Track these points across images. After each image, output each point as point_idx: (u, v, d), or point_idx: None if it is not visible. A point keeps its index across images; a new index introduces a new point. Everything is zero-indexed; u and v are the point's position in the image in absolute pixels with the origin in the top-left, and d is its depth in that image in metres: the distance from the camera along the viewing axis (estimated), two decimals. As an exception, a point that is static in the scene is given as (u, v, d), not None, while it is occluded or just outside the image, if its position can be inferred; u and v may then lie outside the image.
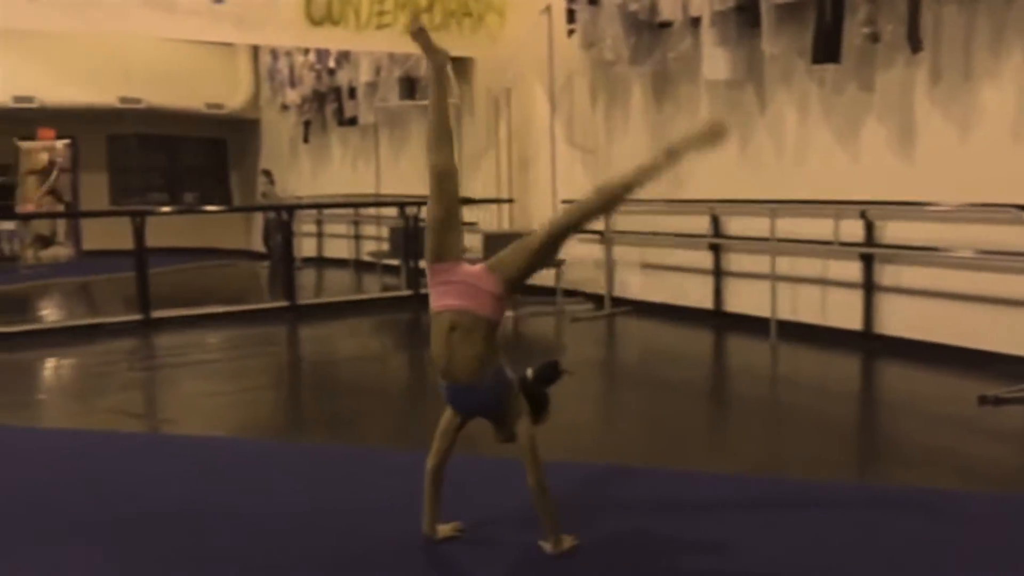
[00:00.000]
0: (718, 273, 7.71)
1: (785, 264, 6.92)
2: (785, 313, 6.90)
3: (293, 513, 3.49)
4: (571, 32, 8.54)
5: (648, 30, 7.74)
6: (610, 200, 3.25)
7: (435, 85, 3.22)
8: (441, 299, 3.00)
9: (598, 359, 7.02)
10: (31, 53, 12.61)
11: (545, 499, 3.01)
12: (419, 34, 3.27)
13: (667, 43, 7.65)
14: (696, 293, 7.86)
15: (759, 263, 7.13)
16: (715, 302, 7.72)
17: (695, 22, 7.29)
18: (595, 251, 8.77)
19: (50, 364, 7.04)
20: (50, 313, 10.18)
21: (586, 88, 8.88)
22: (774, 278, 6.79)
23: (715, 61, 7.16)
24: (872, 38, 6.14)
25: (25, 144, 16.20)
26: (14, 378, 6.52)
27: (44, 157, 16.52)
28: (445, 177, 3.08)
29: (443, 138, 3.12)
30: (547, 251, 3.13)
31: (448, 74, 3.29)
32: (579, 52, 8.58)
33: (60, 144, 16.35)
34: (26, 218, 15.15)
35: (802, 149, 6.98)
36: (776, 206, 6.82)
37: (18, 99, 13.22)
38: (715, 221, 7.66)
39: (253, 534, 3.29)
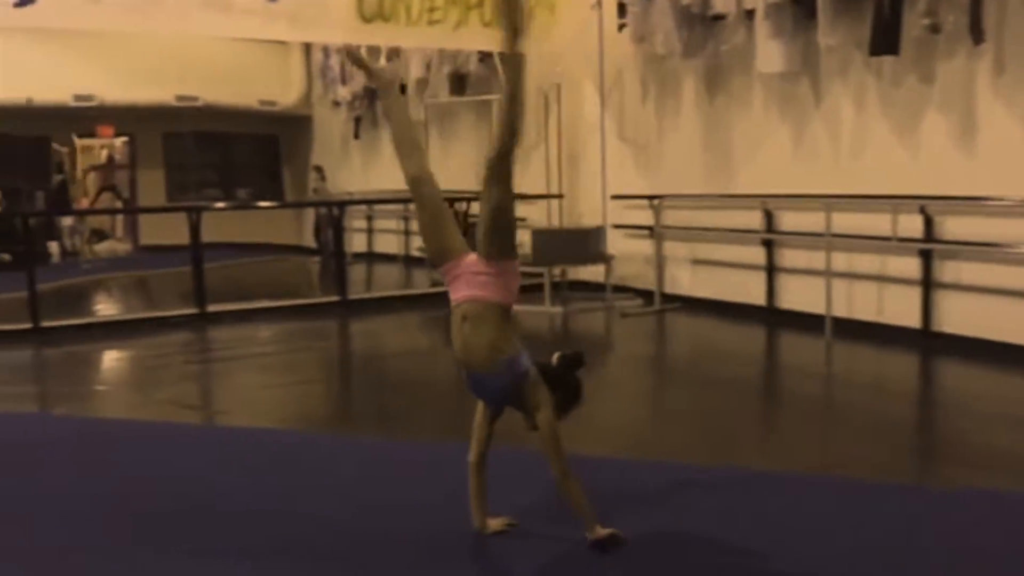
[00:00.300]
0: (771, 269, 7.59)
1: (841, 260, 6.79)
2: (841, 310, 6.77)
3: (343, 505, 3.52)
4: (622, 26, 8.47)
5: (701, 23, 7.65)
6: (508, 114, 3.17)
7: (386, 102, 3.43)
8: (454, 294, 3.08)
9: (648, 355, 6.97)
10: (91, 52, 12.91)
11: (571, 488, 3.00)
12: (355, 60, 3.42)
13: (720, 36, 7.55)
14: (748, 289, 7.75)
15: (813, 259, 7.01)
16: (768, 298, 7.61)
17: (749, 15, 7.18)
18: (645, 247, 8.70)
19: (109, 356, 7.22)
20: (109, 306, 10.43)
21: (637, 82, 8.81)
22: (829, 274, 6.66)
23: (769, 54, 7.05)
24: (932, 29, 5.98)
25: (84, 141, 16.62)
26: (75, 369, 6.70)
27: (104, 153, 16.95)
28: (420, 183, 3.17)
29: (408, 146, 3.24)
30: (494, 196, 3.10)
31: (397, 93, 3.51)
32: (630, 46, 8.51)
33: (119, 141, 16.76)
34: (86, 214, 15.53)
35: (859, 143, 6.83)
36: (832, 201, 6.69)
37: (79, 97, 13.55)
38: (768, 216, 7.55)
39: (304, 525, 3.32)
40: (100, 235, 16.33)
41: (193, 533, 3.27)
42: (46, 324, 7.55)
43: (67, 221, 14.72)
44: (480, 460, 3.17)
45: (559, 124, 9.27)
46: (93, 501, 3.61)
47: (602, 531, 3.03)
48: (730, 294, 7.95)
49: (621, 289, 8.78)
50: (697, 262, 8.34)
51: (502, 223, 3.08)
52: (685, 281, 8.43)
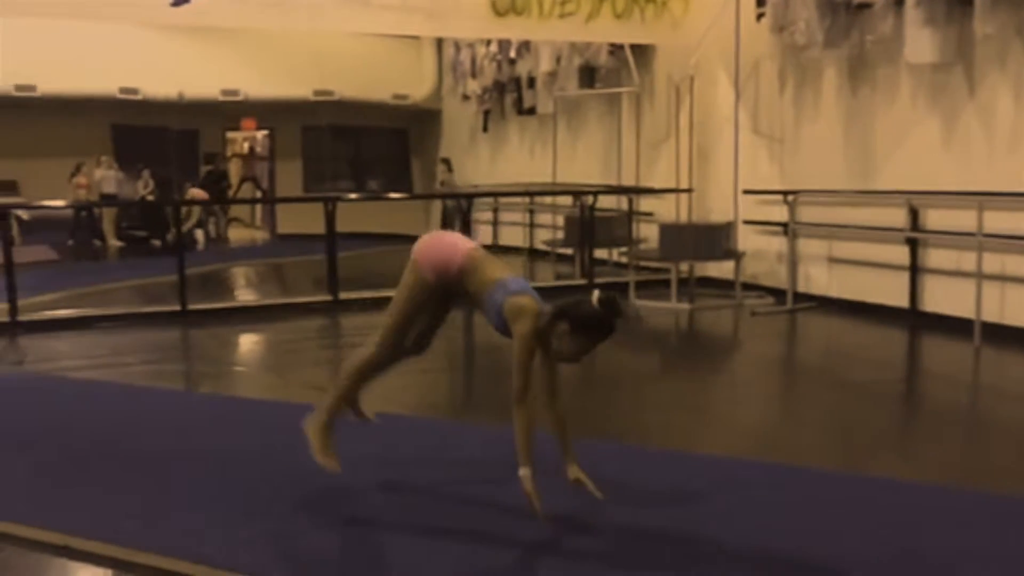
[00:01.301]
0: (915, 269, 7.20)
1: (993, 262, 6.36)
2: (992, 315, 6.35)
3: (470, 491, 3.56)
4: (760, 16, 8.22)
5: (845, 12, 7.32)
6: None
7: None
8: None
9: (778, 356, 6.75)
10: (237, 50, 13.57)
11: (517, 416, 3.07)
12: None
13: (865, 25, 7.21)
14: (889, 290, 7.38)
15: (963, 260, 6.60)
16: (910, 300, 7.22)
17: (898, 2, 6.82)
18: (777, 243, 8.42)
19: (249, 339, 7.55)
20: (249, 292, 10.93)
21: (774, 74, 8.52)
22: (980, 277, 6.26)
23: (920, 43, 6.67)
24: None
25: (229, 134, 17.48)
26: (218, 350, 7.04)
27: (246, 145, 17.79)
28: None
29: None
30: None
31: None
32: (768, 36, 8.24)
33: (260, 134, 17.54)
34: (231, 203, 16.28)
35: (1016, 137, 6.38)
36: (984, 198, 6.28)
37: (226, 92, 14.25)
38: (913, 213, 7.15)
39: (430, 509, 3.37)
40: (238, 223, 17.12)
41: (325, 512, 3.36)
42: (193, 307, 7.97)
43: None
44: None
45: (691, 117, 9.07)
46: (230, 480, 3.78)
47: (527, 479, 3.04)
48: (869, 295, 7.59)
49: (751, 287, 8.53)
50: (834, 260, 8.00)
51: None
52: (820, 280, 8.11)
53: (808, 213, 8.07)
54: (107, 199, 14.68)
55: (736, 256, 8.39)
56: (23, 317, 7.43)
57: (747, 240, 8.67)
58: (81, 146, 14.86)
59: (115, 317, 7.81)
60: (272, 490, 3.59)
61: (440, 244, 3.39)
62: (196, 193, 14.41)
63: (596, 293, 3.12)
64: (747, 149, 8.82)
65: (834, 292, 7.94)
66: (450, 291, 3.38)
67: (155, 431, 4.52)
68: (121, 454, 4.10)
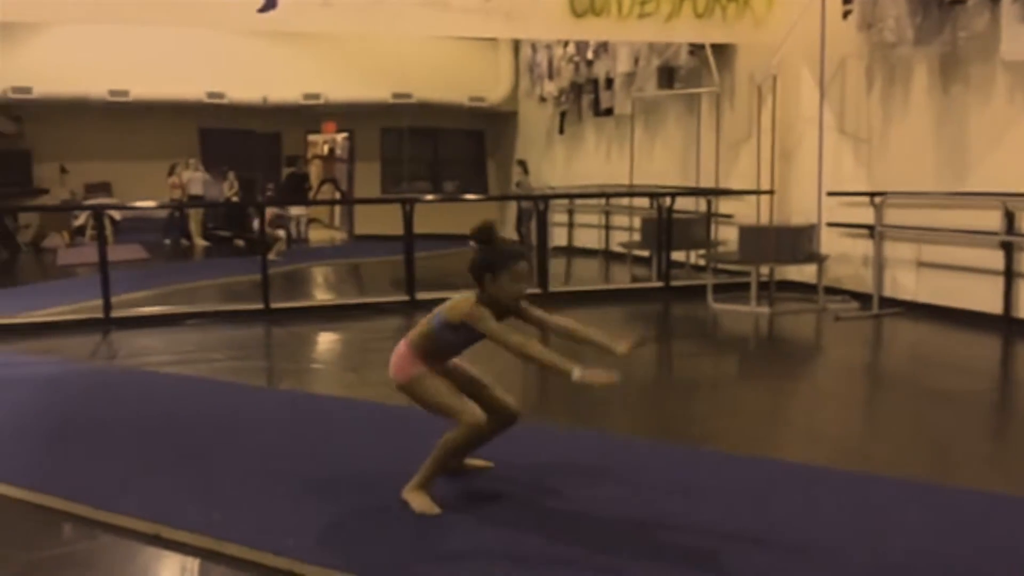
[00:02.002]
0: (1009, 274, 6.91)
1: (1096, 268, 6.06)
2: (1094, 324, 6.05)
3: (539, 493, 3.55)
4: (847, 13, 8.01)
5: (937, 8, 7.08)
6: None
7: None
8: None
9: (863, 362, 6.54)
10: (319, 54, 13.86)
11: (533, 354, 3.17)
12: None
13: (959, 21, 6.96)
14: (981, 296, 7.10)
15: (1062, 266, 6.31)
16: (1005, 307, 6.93)
17: (994, -3, 6.57)
18: (862, 247, 8.19)
19: (328, 337, 7.68)
20: (328, 291, 11.14)
21: (861, 72, 8.29)
22: (1081, 283, 5.97)
23: (1017, 39, 6.42)
24: None
25: (311, 136, 17.86)
26: (298, 348, 7.19)
27: (326, 148, 18.14)
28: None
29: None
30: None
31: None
32: (855, 34, 8.02)
33: (340, 136, 17.87)
34: (311, 204, 16.62)
35: (1124, 136, 6.07)
36: (1087, 201, 5.99)
37: (307, 96, 14.57)
38: (1008, 217, 6.86)
39: (513, 507, 3.37)
40: (317, 224, 17.45)
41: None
42: (275, 305, 8.16)
43: (295, 211, 15.89)
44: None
45: (773, 117, 8.89)
46: (314, 471, 3.85)
47: (580, 375, 3.07)
48: (960, 300, 7.32)
49: (834, 291, 8.32)
50: (922, 264, 7.74)
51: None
52: (908, 284, 7.85)
53: (895, 215, 7.82)
54: (194, 200, 15.17)
55: (819, 259, 8.18)
56: (116, 313, 7.72)
57: (830, 243, 8.45)
58: (170, 149, 15.40)
59: (202, 314, 8.05)
60: (350, 486, 3.64)
61: (395, 361, 3.47)
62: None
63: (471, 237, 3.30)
64: (832, 150, 8.60)
65: (922, 297, 7.68)
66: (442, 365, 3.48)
67: (239, 426, 4.64)
68: (207, 448, 4.22)
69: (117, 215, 14.76)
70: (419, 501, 3.35)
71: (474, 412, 3.34)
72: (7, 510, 3.56)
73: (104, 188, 15.83)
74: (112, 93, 13.68)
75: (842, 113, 8.56)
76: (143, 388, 5.68)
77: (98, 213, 9.05)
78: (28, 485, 3.69)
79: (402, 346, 3.47)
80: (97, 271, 7.93)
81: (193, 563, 3.06)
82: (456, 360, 3.55)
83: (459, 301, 3.29)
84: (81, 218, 15.33)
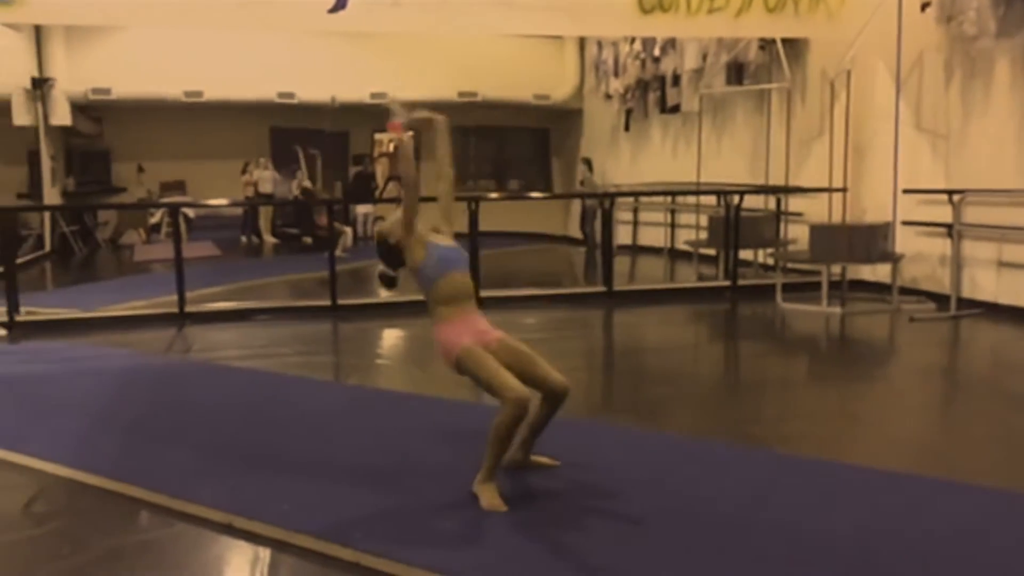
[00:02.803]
0: (1097, 276, 6.62)
1: None
2: None
3: (605, 494, 3.52)
4: (925, 6, 7.76)
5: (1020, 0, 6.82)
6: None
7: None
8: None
9: (939, 365, 6.34)
10: (384, 53, 13.99)
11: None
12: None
13: (1044, 11, 6.69)
14: (1067, 298, 6.82)
15: None
16: (1092, 310, 6.64)
17: (1083, -16, 6.29)
18: (939, 246, 7.94)
19: (393, 333, 7.77)
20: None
21: (939, 66, 8.03)
22: None
23: (1108, 29, 6.13)
24: None
25: (378, 135, 18.06)
26: (362, 344, 7.28)
27: (391, 146, 18.31)
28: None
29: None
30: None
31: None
32: (934, 27, 7.77)
33: (407, 136, 18.02)
34: (376, 202, 16.79)
35: None
36: None
37: (374, 95, 14.73)
38: (1097, 216, 6.58)
39: (563, 505, 3.36)
40: (379, 221, 17.64)
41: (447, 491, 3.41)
42: (342, 302, 8.28)
43: (362, 209, 16.09)
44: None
45: (847, 113, 8.67)
46: (380, 465, 3.89)
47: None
48: (1043, 303, 7.04)
49: (909, 291, 8.08)
50: (1004, 265, 7.46)
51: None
52: (988, 285, 7.57)
53: (975, 214, 7.56)
54: (264, 198, 15.49)
55: (894, 258, 7.96)
56: (189, 309, 7.93)
57: (906, 242, 8.21)
58: (242, 148, 15.74)
59: (271, 310, 8.21)
60: (417, 480, 3.67)
61: (439, 347, 3.62)
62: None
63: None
64: (908, 146, 8.35)
65: (1003, 298, 7.41)
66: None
67: (308, 419, 4.71)
68: (277, 440, 4.30)
69: (191, 213, 15.15)
70: (487, 496, 3.36)
71: (516, 388, 3.35)
72: (87, 497, 3.68)
73: (179, 186, 16.27)
74: (187, 94, 14.04)
75: (919, 108, 8.31)
76: (216, 381, 5.82)
77: (173, 211, 9.30)
78: (107, 473, 3.81)
79: (435, 331, 3.60)
80: (172, 267, 8.15)
81: (264, 553, 3.12)
82: (501, 335, 3.59)
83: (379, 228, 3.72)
84: (157, 216, 15.78)
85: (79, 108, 14.09)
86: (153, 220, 15.90)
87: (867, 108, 8.85)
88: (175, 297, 7.88)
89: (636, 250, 13.23)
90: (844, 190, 8.72)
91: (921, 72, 8.26)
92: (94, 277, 12.33)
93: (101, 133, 15.99)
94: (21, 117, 13.16)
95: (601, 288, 9.07)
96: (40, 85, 13.27)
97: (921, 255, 8.19)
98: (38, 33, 13.14)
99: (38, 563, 3.09)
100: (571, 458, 3.94)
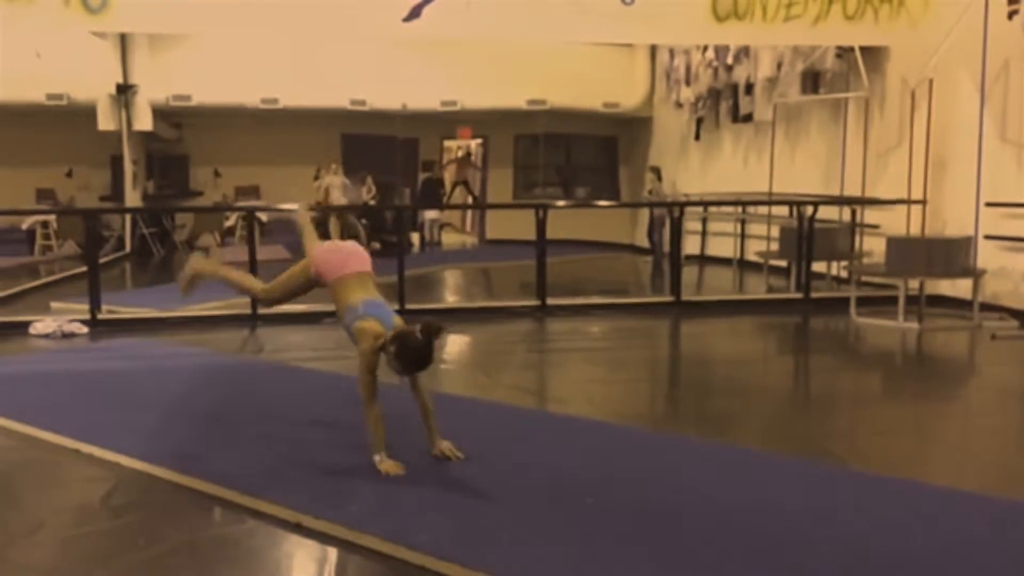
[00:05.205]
0: None
1: None
2: None
3: (673, 507, 3.48)
4: (1012, 14, 7.50)
5: (1116, 4, 6.54)
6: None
7: None
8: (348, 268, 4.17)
9: (1021, 385, 6.10)
10: (455, 62, 14.11)
11: (367, 415, 3.84)
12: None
13: None
14: None
15: None
16: None
17: None
18: (1024, 262, 7.65)
19: (460, 340, 7.80)
20: (459, 295, 11.32)
21: (1026, 76, 7.76)
22: None
23: None
24: None
25: (447, 142, 18.23)
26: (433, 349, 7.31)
27: (459, 153, 18.47)
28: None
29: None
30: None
31: None
32: (1020, 35, 7.51)
33: (474, 143, 18.17)
34: (447, 209, 16.95)
35: None
36: None
37: (444, 103, 14.87)
38: None
39: (635, 516, 3.32)
40: (446, 226, 17.75)
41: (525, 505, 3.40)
42: (409, 307, 8.35)
43: (429, 215, 16.21)
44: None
45: (928, 123, 8.43)
46: (447, 470, 3.91)
47: (382, 462, 3.76)
48: None
49: (991, 308, 7.80)
50: (1093, 283, 7.16)
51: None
52: (1076, 304, 7.27)
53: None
54: (333, 204, 15.75)
55: (975, 274, 7.69)
56: (261, 310, 8.09)
57: (988, 257, 7.93)
58: (314, 154, 16.04)
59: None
60: (484, 485, 3.67)
61: (333, 257, 4.21)
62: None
63: (420, 324, 3.75)
64: (991, 158, 8.08)
65: (1093, 318, 7.10)
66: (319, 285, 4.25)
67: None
68: (346, 442, 4.34)
69: (264, 217, 15.49)
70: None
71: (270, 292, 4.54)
72: (162, 491, 3.78)
73: (253, 191, 16.65)
74: (263, 101, 14.38)
75: (1004, 119, 8.02)
76: (287, 381, 5.93)
77: (247, 215, 9.52)
78: (181, 468, 3.91)
79: (344, 267, 4.15)
80: (245, 270, 8.33)
81: (331, 553, 3.16)
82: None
83: (366, 331, 3.87)
84: (231, 219, 16.18)
85: (160, 114, 14.55)
86: (228, 223, 16.30)
87: (949, 118, 8.58)
88: (248, 299, 8.04)
89: (704, 260, 13.06)
90: (923, 202, 8.47)
91: (1007, 81, 7.98)
92: (171, 278, 12.67)
93: (180, 138, 16.47)
94: (106, 122, 13.67)
95: (669, 298, 8.97)
96: (124, 91, 13.75)
97: (1004, 270, 7.90)
98: (123, 41, 13.61)
99: (116, 554, 3.18)
100: (642, 475, 3.91)
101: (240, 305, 8.19)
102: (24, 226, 14.26)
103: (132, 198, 14.37)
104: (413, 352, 3.76)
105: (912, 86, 8.49)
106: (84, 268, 8.00)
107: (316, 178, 15.86)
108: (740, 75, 11.89)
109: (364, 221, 13.80)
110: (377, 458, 3.78)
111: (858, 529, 3.22)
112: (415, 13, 7.43)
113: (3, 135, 14.01)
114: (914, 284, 7.99)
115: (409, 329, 3.80)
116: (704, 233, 13.44)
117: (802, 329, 8.08)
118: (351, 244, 4.40)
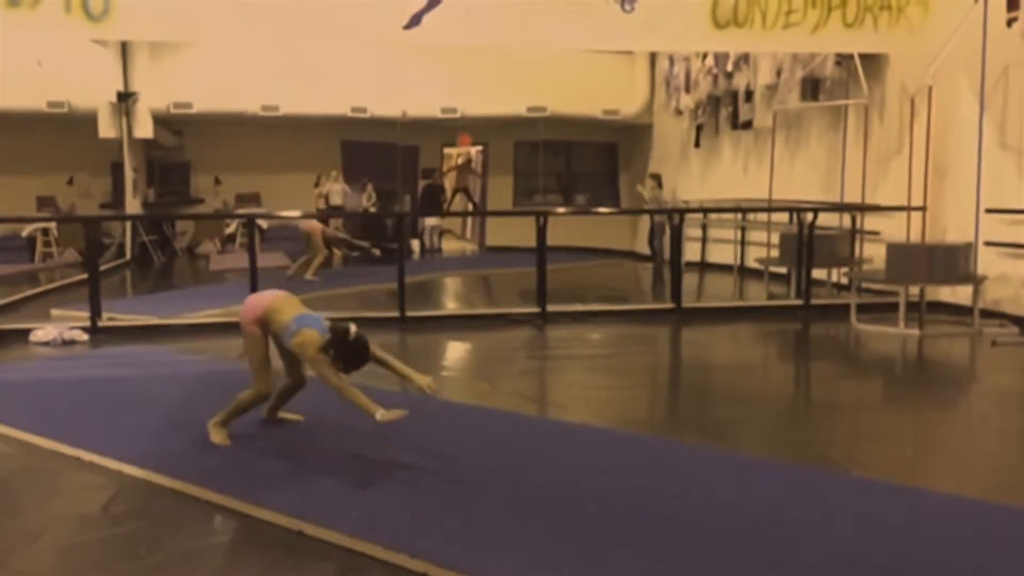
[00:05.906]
0: None
1: None
2: None
3: (673, 515, 3.47)
4: (1011, 21, 7.52)
5: (1115, 11, 6.56)
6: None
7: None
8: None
9: (1022, 391, 6.10)
10: (455, 69, 14.14)
11: (349, 397, 3.92)
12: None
13: None
14: None
15: None
16: None
17: None
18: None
19: (460, 346, 7.80)
20: (460, 301, 11.32)
21: (1025, 82, 7.77)
22: None
23: None
24: None
25: (447, 149, 18.26)
26: (429, 356, 7.32)
27: (460, 160, 18.50)
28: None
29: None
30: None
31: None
32: (1019, 42, 7.52)
33: (474, 150, 18.19)
34: (447, 215, 16.97)
35: None
36: None
37: (445, 110, 14.90)
38: None
39: (633, 521, 3.32)
40: (448, 234, 17.74)
41: (530, 511, 3.40)
42: (410, 314, 8.36)
43: (430, 222, 16.21)
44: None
45: (927, 130, 8.44)
46: (446, 477, 3.90)
47: (385, 414, 3.82)
48: None
49: (991, 314, 7.79)
50: (1093, 289, 7.16)
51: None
52: (1076, 310, 7.27)
53: (1063, 235, 7.28)
54: (334, 210, 15.76)
55: (975, 280, 7.70)
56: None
57: (989, 263, 7.93)
58: (314, 161, 16.06)
59: (340, 320, 8.30)
60: (484, 492, 3.67)
61: (250, 304, 4.38)
62: (311, 226, 12.32)
63: (353, 328, 4.01)
64: (991, 164, 8.09)
65: (1093, 324, 7.10)
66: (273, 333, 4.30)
67: (374, 429, 4.73)
68: (345, 450, 4.35)
69: (264, 224, 15.49)
70: (217, 436, 4.31)
71: (270, 385, 4.39)
72: (163, 499, 3.78)
73: (254, 198, 16.67)
74: (264, 108, 14.40)
75: (1003, 126, 8.03)
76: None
77: (248, 222, 9.53)
78: (181, 476, 3.91)
79: (262, 301, 4.36)
80: (246, 276, 8.34)
81: (333, 561, 3.15)
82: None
83: (305, 340, 4.03)
84: (232, 226, 16.19)
85: (161, 121, 14.57)
86: (228, 230, 16.31)
87: (949, 125, 8.60)
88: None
89: (705, 267, 13.06)
90: (923, 209, 8.48)
91: (1006, 88, 7.99)
92: (171, 285, 12.69)
93: (181, 146, 16.49)
94: (107, 129, 13.69)
95: (669, 305, 8.97)
96: (125, 99, 13.77)
97: (1004, 277, 7.91)
98: (124, 49, 13.64)
99: (117, 562, 3.18)
100: (635, 475, 3.91)
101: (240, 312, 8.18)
102: (24, 233, 14.28)
103: (133, 205, 14.37)
104: (350, 355, 3.99)
105: (912, 93, 8.51)
106: (84, 275, 8.00)
107: (317, 185, 15.89)
108: (740, 82, 11.92)
109: (341, 234, 13.66)
110: (379, 415, 3.83)
111: (859, 535, 3.22)
112: (415, 21, 7.45)
113: (4, 142, 14.03)
114: (914, 290, 8.00)
115: (342, 327, 4.03)
116: (704, 240, 13.43)
117: (802, 336, 8.08)
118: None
